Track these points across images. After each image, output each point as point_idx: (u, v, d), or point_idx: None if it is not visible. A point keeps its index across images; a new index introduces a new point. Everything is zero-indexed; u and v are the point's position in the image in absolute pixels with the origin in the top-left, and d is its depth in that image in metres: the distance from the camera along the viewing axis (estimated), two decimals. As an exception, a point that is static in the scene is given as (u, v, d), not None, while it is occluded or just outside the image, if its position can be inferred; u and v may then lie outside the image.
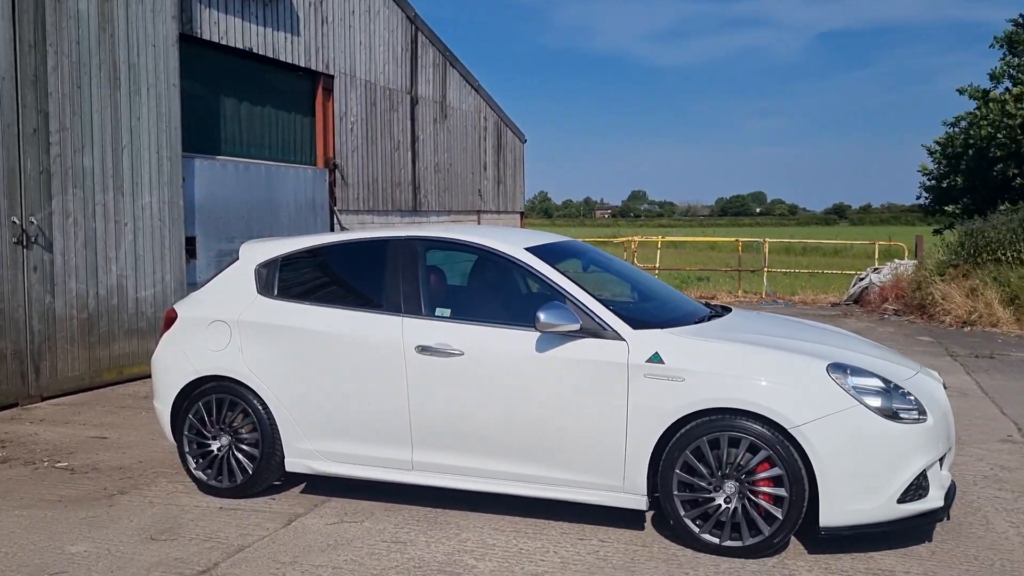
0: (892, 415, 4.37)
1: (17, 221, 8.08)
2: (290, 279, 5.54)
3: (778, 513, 4.36)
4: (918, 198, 25.52)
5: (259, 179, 11.69)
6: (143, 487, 5.70)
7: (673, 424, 4.51)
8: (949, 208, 22.03)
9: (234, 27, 10.96)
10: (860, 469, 4.31)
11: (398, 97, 15.13)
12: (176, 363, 5.60)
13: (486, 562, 4.43)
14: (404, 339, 5.03)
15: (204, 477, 5.48)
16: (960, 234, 15.31)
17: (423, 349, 4.97)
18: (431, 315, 5.08)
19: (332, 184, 13.26)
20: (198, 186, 10.54)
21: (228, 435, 5.44)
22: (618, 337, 4.66)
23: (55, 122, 8.44)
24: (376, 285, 5.30)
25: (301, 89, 12.79)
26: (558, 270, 4.99)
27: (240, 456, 5.41)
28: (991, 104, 20.60)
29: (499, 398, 4.83)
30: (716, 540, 4.46)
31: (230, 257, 10.67)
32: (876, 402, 4.38)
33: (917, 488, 4.41)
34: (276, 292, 5.51)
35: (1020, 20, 23.26)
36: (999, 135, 19.59)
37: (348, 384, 5.15)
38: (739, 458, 4.42)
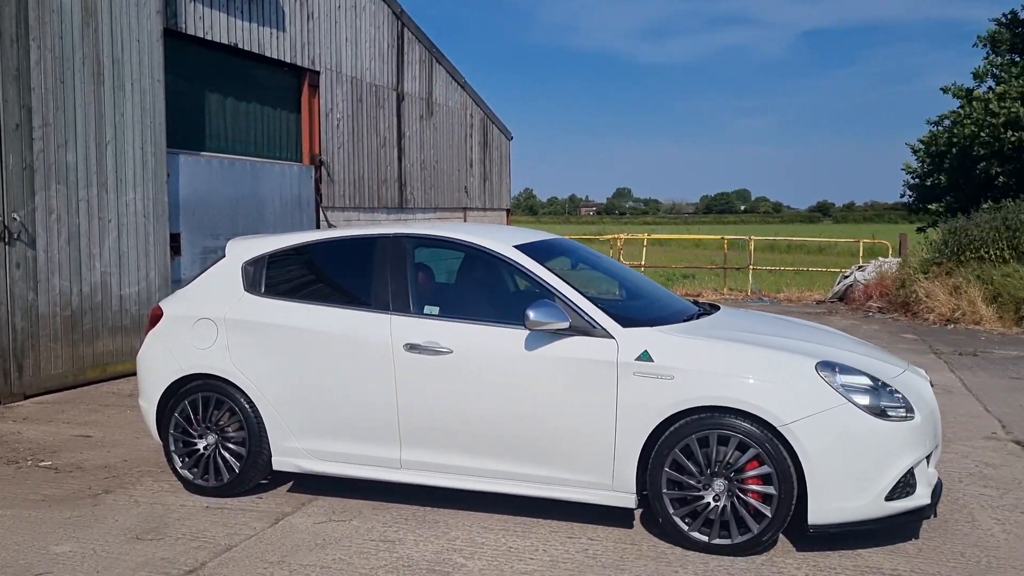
0: (880, 413, 4.39)
1: (-1, 217, 8.00)
2: (277, 277, 5.50)
3: (767, 511, 4.37)
4: (902, 196, 25.71)
5: (244, 175, 11.62)
6: (128, 486, 5.66)
7: (662, 422, 4.51)
8: (932, 206, 22.18)
9: (219, 22, 10.88)
10: (848, 467, 4.33)
11: (384, 93, 15.07)
12: (162, 361, 5.56)
13: (475, 561, 4.42)
14: (392, 337, 5.00)
15: (190, 476, 5.44)
16: (944, 232, 15.40)
17: (412, 347, 4.95)
18: (420, 313, 5.06)
19: (318, 181, 13.20)
20: (183, 182, 10.47)
21: (215, 434, 5.40)
22: (607, 335, 4.66)
23: (38, 117, 8.35)
24: (364, 283, 5.27)
25: (287, 85, 12.72)
26: (547, 268, 4.98)
27: (227, 455, 5.37)
28: (975, 103, 20.74)
29: (488, 396, 4.82)
30: (705, 538, 4.46)
31: (215, 254, 10.64)
32: (864, 400, 4.40)
33: (905, 485, 4.43)
34: (263, 290, 5.47)
35: (1003, 20, 23.47)
36: (982, 134, 19.73)
37: (336, 382, 5.13)
38: (728, 456, 4.42)
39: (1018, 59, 22.59)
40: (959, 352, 10.98)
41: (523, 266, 5.00)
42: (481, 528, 4.85)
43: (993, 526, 4.91)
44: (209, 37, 10.72)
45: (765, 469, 4.37)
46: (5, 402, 8.09)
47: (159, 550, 4.57)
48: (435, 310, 5.08)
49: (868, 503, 4.34)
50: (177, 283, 10.08)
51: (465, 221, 18.72)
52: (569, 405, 4.68)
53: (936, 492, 4.65)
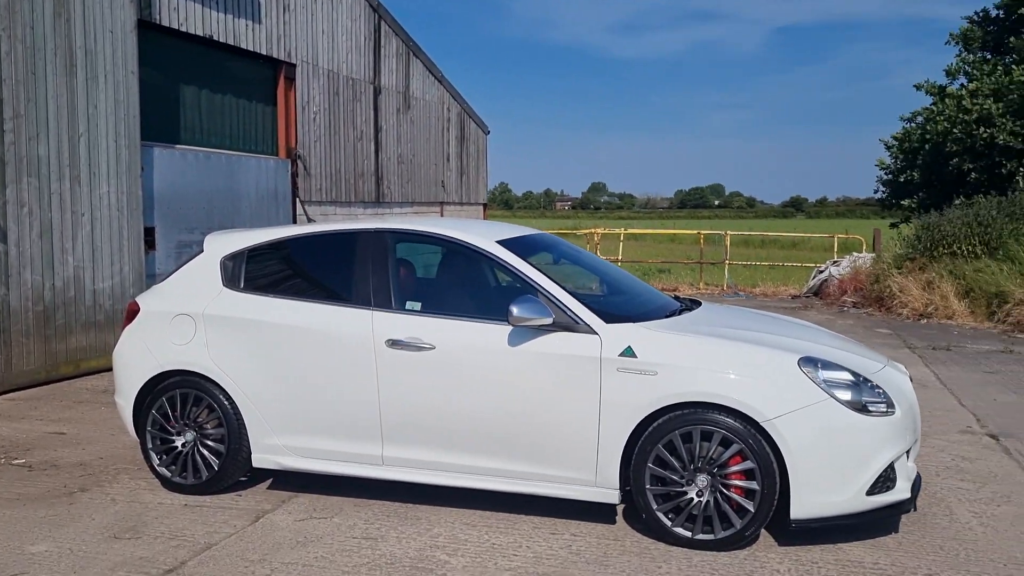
0: (862, 408, 4.42)
1: (-31, 211, 7.85)
2: (257, 272, 5.44)
3: (750, 506, 4.38)
4: (876, 192, 25.91)
5: (220, 169, 11.50)
6: (104, 484, 5.58)
7: (645, 418, 4.51)
8: (905, 202, 22.41)
9: (194, 14, 10.74)
10: (830, 462, 4.35)
11: (361, 87, 14.97)
12: (139, 357, 5.48)
13: (458, 557, 4.40)
14: (374, 333, 4.96)
15: (168, 474, 5.38)
16: (917, 228, 15.56)
17: (393, 343, 4.92)
18: (401, 308, 5.02)
19: (294, 175, 13.08)
20: (157, 176, 10.33)
21: (193, 431, 5.34)
22: (591, 331, 4.65)
23: (9, 109, 8.20)
24: (345, 278, 5.22)
25: (263, 77, 12.59)
26: (530, 263, 4.96)
27: (205, 452, 5.31)
28: (947, 100, 20.95)
29: (471, 392, 4.80)
30: (688, 533, 4.47)
31: (190, 248, 10.54)
32: (846, 395, 4.42)
33: (885, 480, 4.46)
34: (242, 285, 5.41)
35: (975, 17, 23.74)
36: (955, 130, 19.93)
37: (317, 378, 5.08)
38: (711, 452, 4.43)
39: (990, 56, 22.86)
40: (933, 347, 11.10)
41: (506, 262, 4.97)
42: (464, 525, 4.83)
43: (971, 519, 4.97)
44: (184, 29, 10.58)
45: (748, 464, 4.38)
46: (-24, 399, 7.95)
47: (137, 549, 4.51)
48: (417, 306, 5.05)
49: (850, 498, 4.37)
50: (152, 278, 9.96)
51: (442, 215, 18.66)
52: (552, 401, 4.67)
53: (916, 486, 4.70)
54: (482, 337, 4.80)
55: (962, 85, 22.07)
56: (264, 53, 12.22)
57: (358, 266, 5.18)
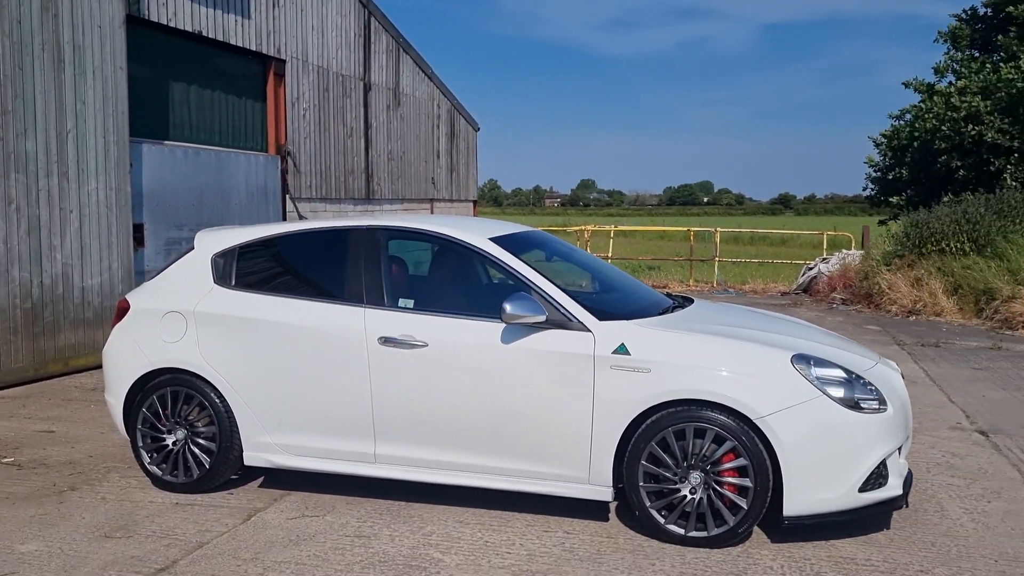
0: (854, 405, 4.43)
1: (-44, 207, 7.78)
2: (248, 269, 5.41)
3: (743, 503, 4.39)
4: (864, 190, 25.99)
5: (209, 165, 11.44)
6: (94, 483, 5.54)
7: (639, 415, 4.51)
8: (894, 199, 22.48)
9: (183, 9, 10.68)
10: (823, 459, 4.36)
11: (351, 83, 14.92)
12: (129, 355, 5.44)
13: (452, 555, 4.39)
14: (366, 330, 4.94)
15: (159, 472, 5.35)
16: (906, 225, 15.62)
17: (386, 340, 4.90)
18: (394, 306, 5.00)
19: (284, 171, 13.04)
20: (146, 172, 10.28)
21: (184, 429, 5.31)
22: (584, 328, 4.64)
23: (-4, 105, 8.13)
24: (338, 276, 5.20)
25: (252, 74, 12.54)
26: (523, 261, 4.95)
27: (196, 450, 5.28)
28: (936, 97, 21.03)
29: (464, 390, 4.78)
30: (681, 531, 4.47)
31: (179, 245, 10.49)
32: (839, 393, 4.43)
33: (877, 477, 4.47)
34: (234, 282, 5.38)
35: (963, 16, 23.84)
36: (943, 128, 20.00)
37: (309, 376, 5.06)
38: (705, 449, 4.44)
39: (978, 54, 22.96)
40: (922, 343, 11.15)
41: (499, 259, 4.96)
42: (457, 522, 4.82)
43: (962, 515, 4.99)
44: (173, 24, 10.52)
45: (741, 462, 4.39)
46: (-37, 397, 7.89)
47: (128, 548, 4.48)
48: (410, 303, 5.03)
49: (842, 494, 4.38)
50: (141, 274, 9.91)
51: (432, 212, 18.63)
52: (545, 399, 4.66)
53: (907, 483, 4.71)
54: (475, 334, 4.79)
55: (950, 83, 22.17)
56: (253, 49, 12.16)
57: (351, 263, 5.16)
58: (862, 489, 4.41)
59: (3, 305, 8.27)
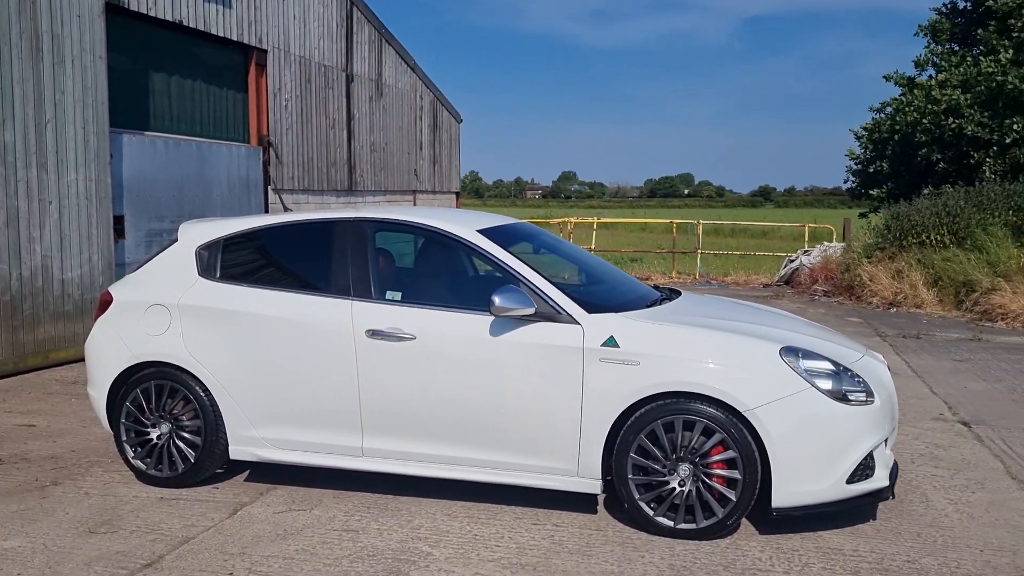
0: (842, 397, 4.45)
1: (-67, 198, 7.66)
2: (234, 261, 5.36)
3: (732, 495, 4.40)
4: (845, 182, 26.10)
5: (190, 156, 11.33)
6: (77, 477, 5.48)
7: (628, 408, 4.51)
8: (875, 192, 22.61)
9: (163, -2, 10.53)
10: (811, 451, 4.38)
11: (333, 74, 14.81)
12: (112, 348, 5.38)
13: (441, 549, 4.37)
14: (354, 323, 4.91)
15: (143, 466, 5.29)
16: (886, 218, 15.73)
17: (373, 333, 4.87)
18: (381, 299, 4.97)
19: (266, 162, 12.93)
20: (127, 163, 10.16)
21: (168, 423, 5.25)
22: (573, 321, 4.63)
23: (-27, 94, 8.01)
24: (324, 268, 5.16)
25: (233, 64, 12.41)
26: (511, 253, 4.93)
27: (181, 444, 5.23)
28: (916, 91, 21.15)
29: (452, 383, 4.76)
30: (670, 523, 4.48)
31: (160, 237, 10.39)
32: (827, 385, 4.45)
33: (864, 468, 4.50)
34: (219, 275, 5.32)
35: (943, 9, 23.96)
36: (924, 121, 20.12)
37: (295, 369, 5.02)
38: (693, 441, 4.44)
39: (958, 48, 23.08)
40: (903, 335, 11.23)
41: (487, 251, 4.94)
42: (445, 516, 4.81)
43: (947, 506, 5.03)
44: (153, 14, 10.39)
45: (730, 454, 4.40)
46: (-59, 391, 7.78)
47: (113, 543, 4.44)
48: (397, 296, 5.00)
49: (830, 486, 4.40)
50: (121, 267, 9.81)
51: (415, 204, 18.56)
52: (534, 391, 4.64)
53: (893, 474, 4.74)
54: (463, 327, 4.77)
55: (931, 76, 22.27)
56: (235, 39, 12.04)
57: (337, 255, 5.11)
58: (850, 481, 4.44)
59: (-19, 298, 8.16)
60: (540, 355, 4.63)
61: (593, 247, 21.37)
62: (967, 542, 4.50)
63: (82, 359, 5.69)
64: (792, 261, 17.89)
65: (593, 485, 4.65)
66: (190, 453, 5.21)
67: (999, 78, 19.03)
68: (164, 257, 5.55)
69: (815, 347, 4.70)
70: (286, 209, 13.02)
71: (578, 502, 4.92)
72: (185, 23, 10.95)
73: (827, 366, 4.53)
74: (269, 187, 12.95)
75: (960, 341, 10.79)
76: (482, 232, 5.05)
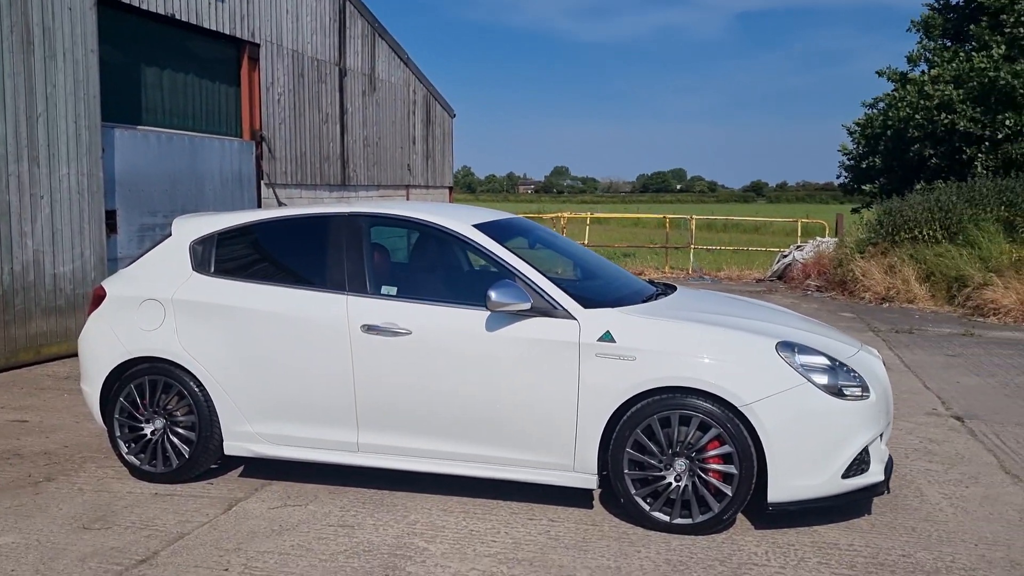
0: (837, 392, 4.45)
1: (-76, 193, 7.60)
2: (228, 256, 5.33)
3: (728, 490, 4.40)
4: (838, 177, 26.13)
5: (183, 150, 11.28)
6: (71, 473, 5.45)
7: (624, 403, 4.51)
8: (867, 187, 22.65)
9: (155, -9, 10.48)
10: (807, 445, 4.38)
11: (326, 68, 14.76)
12: (106, 343, 5.35)
13: (437, 544, 4.36)
14: (349, 318, 4.89)
15: (137, 462, 5.27)
16: (879, 213, 15.76)
17: (369, 328, 4.85)
18: (377, 293, 4.95)
19: (259, 157, 12.88)
20: (119, 157, 10.10)
21: (162, 418, 5.23)
22: (569, 316, 4.62)
23: (-36, 88, 7.95)
24: (319, 262, 5.14)
25: (226, 58, 12.36)
26: (507, 248, 4.92)
27: (175, 440, 5.21)
28: (909, 86, 21.18)
29: (448, 378, 4.75)
30: (666, 518, 4.48)
31: (153, 232, 10.34)
32: (823, 380, 4.45)
33: (860, 463, 4.50)
34: (213, 269, 5.30)
35: (936, 5, 24.00)
36: (917, 116, 20.15)
37: (290, 364, 5.00)
38: (690, 436, 4.44)
39: (950, 44, 23.13)
40: (896, 330, 11.26)
41: (483, 246, 4.92)
42: (441, 511, 4.80)
43: (941, 500, 5.04)
44: (145, 7, 10.33)
45: (726, 449, 4.40)
46: (-67, 386, 7.74)
47: (108, 539, 4.42)
48: (393, 290, 4.98)
49: (826, 481, 4.41)
50: (114, 261, 9.76)
51: (408, 199, 18.52)
52: (530, 387, 4.64)
53: (888, 469, 4.75)
54: (459, 322, 4.76)
55: (923, 72, 22.32)
56: (227, 32, 11.98)
57: (332, 250, 5.09)
58: (845, 475, 4.45)
59: (-27, 293, 8.11)
60: (536, 350, 4.62)
61: (586, 242, 21.37)
62: (961, 536, 4.52)
63: (74, 354, 5.66)
64: (785, 256, 17.92)
65: (589, 480, 4.64)
66: (184, 449, 5.19)
67: (991, 74, 19.06)
68: (158, 252, 5.53)
69: (811, 342, 4.70)
70: (280, 204, 12.98)
71: (574, 497, 4.92)
72: (177, 16, 10.89)
73: (823, 361, 4.53)
74: (262, 182, 12.91)
75: (952, 336, 10.83)
76: (478, 227, 5.04)
